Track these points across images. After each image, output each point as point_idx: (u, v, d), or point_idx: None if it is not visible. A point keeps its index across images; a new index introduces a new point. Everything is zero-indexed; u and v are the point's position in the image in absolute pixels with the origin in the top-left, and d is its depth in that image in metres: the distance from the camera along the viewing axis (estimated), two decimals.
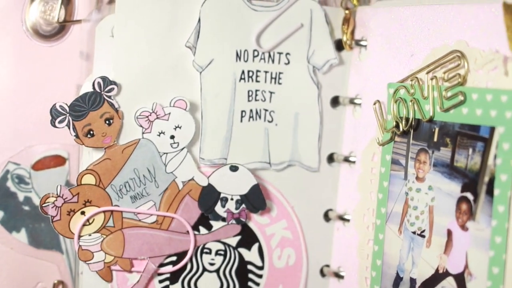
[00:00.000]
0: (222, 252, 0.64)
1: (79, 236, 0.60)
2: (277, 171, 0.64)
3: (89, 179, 0.59)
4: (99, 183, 0.60)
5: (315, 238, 0.65)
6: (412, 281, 0.56)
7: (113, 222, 0.60)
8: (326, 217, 0.65)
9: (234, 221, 0.63)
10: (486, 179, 0.50)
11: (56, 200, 0.59)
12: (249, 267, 0.64)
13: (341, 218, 0.64)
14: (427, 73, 0.55)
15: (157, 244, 0.62)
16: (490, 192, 0.49)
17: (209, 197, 0.63)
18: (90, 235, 0.60)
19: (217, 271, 0.64)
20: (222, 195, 0.63)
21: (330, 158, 0.65)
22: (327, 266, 0.65)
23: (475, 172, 0.51)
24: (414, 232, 0.56)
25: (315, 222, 0.65)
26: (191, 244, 0.63)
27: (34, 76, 0.63)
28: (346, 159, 0.64)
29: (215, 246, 0.63)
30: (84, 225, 0.60)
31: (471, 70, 0.53)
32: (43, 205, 0.58)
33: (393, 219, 0.58)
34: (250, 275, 0.64)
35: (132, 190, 0.60)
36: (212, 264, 0.64)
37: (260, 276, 0.64)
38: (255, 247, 0.64)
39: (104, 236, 0.60)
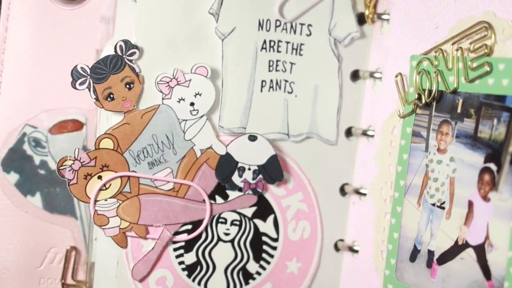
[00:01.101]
0: (237, 223, 0.63)
1: (95, 201, 0.59)
2: (295, 142, 0.64)
3: (107, 143, 0.59)
4: (117, 148, 0.59)
5: (330, 212, 0.65)
6: (430, 253, 0.55)
7: (129, 188, 0.60)
8: (342, 191, 0.65)
9: (250, 192, 0.63)
10: (511, 149, 0.49)
11: (74, 163, 0.58)
12: (264, 238, 0.64)
13: (357, 192, 0.64)
14: (452, 44, 0.55)
15: (173, 212, 0.61)
16: None
17: (226, 166, 0.62)
18: (106, 200, 0.59)
19: (232, 241, 0.63)
20: (239, 165, 0.62)
21: (348, 132, 0.65)
22: (342, 240, 0.65)
23: (499, 143, 0.50)
24: (433, 204, 0.55)
25: (331, 196, 0.65)
26: (206, 213, 0.62)
27: (54, 39, 0.63)
28: (364, 133, 0.64)
29: (230, 216, 0.63)
30: (100, 189, 0.59)
31: (499, 40, 0.52)
32: (60, 168, 0.58)
33: (412, 191, 0.57)
34: (265, 247, 0.64)
35: (150, 156, 0.60)
36: (227, 234, 0.63)
37: (274, 248, 0.64)
38: (270, 218, 0.64)
39: (120, 202, 0.60)
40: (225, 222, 0.63)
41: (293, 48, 0.63)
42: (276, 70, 0.63)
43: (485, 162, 0.51)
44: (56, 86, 0.62)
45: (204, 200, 0.62)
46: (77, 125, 0.63)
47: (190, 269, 0.63)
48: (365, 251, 0.62)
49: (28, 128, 0.62)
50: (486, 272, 0.50)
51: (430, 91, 0.56)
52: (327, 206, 0.65)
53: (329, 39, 0.64)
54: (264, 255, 0.64)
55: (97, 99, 0.59)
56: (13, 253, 0.62)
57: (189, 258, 0.63)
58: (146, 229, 0.61)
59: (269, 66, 0.63)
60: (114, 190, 0.60)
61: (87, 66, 0.58)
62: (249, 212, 0.63)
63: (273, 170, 0.62)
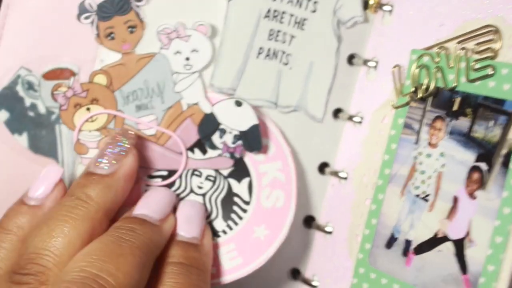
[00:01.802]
0: (212, 178, 0.64)
1: (80, 130, 0.61)
2: (282, 113, 0.64)
3: (101, 79, 0.60)
4: (110, 85, 0.60)
5: (306, 188, 0.65)
6: (407, 242, 0.56)
7: (114, 125, 0.61)
8: (321, 170, 0.66)
9: (228, 155, 0.63)
10: (504, 151, 0.51)
11: (67, 90, 0.60)
12: (236, 199, 0.64)
13: (336, 175, 0.64)
14: (457, 43, 0.56)
15: (151, 157, 0.62)
16: (505, 164, 0.51)
17: (209, 125, 0.62)
18: (90, 131, 0.61)
19: (204, 195, 0.64)
20: (221, 127, 0.63)
21: (336, 114, 0.65)
22: (313, 218, 0.66)
23: (492, 144, 0.52)
24: (417, 196, 0.57)
25: (309, 172, 0.65)
26: (181, 165, 0.63)
27: None
28: (351, 118, 0.64)
29: (206, 171, 0.63)
30: (86, 121, 0.61)
31: (504, 46, 0.53)
32: (54, 92, 0.60)
33: (397, 181, 0.58)
34: (235, 207, 0.64)
35: (139, 100, 0.61)
36: (200, 188, 0.64)
37: (245, 211, 0.64)
38: (245, 181, 0.64)
39: (103, 136, 0.61)
40: (200, 176, 0.64)
41: (296, 22, 0.64)
42: (276, 40, 0.63)
43: (476, 161, 0.53)
44: (55, 34, 0.62)
45: (182, 152, 0.63)
46: (69, 74, 0.63)
47: None
48: (339, 233, 0.63)
49: (23, 70, 0.62)
50: (463, 266, 0.52)
51: (427, 86, 0.57)
52: (304, 181, 0.65)
53: (333, 19, 0.64)
54: (233, 216, 0.64)
55: (98, 35, 0.60)
56: None
57: None
58: None
59: (270, 34, 0.63)
60: (100, 124, 0.61)
61: (94, 2, 0.59)
62: (225, 170, 0.64)
63: (253, 139, 0.63)
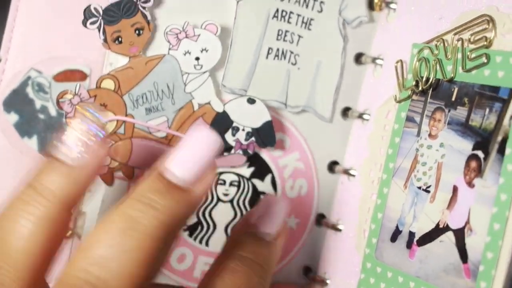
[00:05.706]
0: (236, 183, 0.65)
1: None
2: (292, 113, 0.65)
3: (108, 83, 0.60)
4: (118, 90, 0.61)
5: (316, 187, 0.66)
6: (411, 234, 0.56)
7: (124, 130, 0.62)
8: (331, 169, 0.66)
9: (241, 152, 0.64)
10: (499, 138, 0.51)
11: (73, 97, 0.60)
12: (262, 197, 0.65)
13: (346, 172, 0.65)
14: (454, 34, 0.56)
15: None
16: (501, 151, 0.50)
17: (221, 123, 0.63)
18: None
19: (231, 201, 0.65)
20: (234, 124, 0.64)
21: (345, 113, 0.66)
22: (324, 216, 0.66)
23: (489, 131, 0.52)
24: (419, 187, 0.57)
25: (319, 172, 0.66)
26: None
27: None
28: (360, 116, 0.65)
29: (229, 178, 0.64)
30: None
31: (498, 34, 0.53)
32: (60, 100, 0.60)
33: (400, 174, 0.59)
34: None
35: (148, 103, 0.62)
36: (226, 195, 0.65)
37: None
38: (268, 178, 0.65)
39: (113, 142, 0.62)
40: (224, 184, 0.65)
41: (303, 22, 0.65)
42: (284, 40, 0.64)
43: (473, 149, 0.53)
44: (65, 35, 0.62)
45: None
46: (81, 76, 0.63)
47: (191, 229, 0.64)
48: (348, 230, 0.63)
49: (33, 72, 0.63)
50: (463, 255, 0.52)
51: (427, 79, 0.58)
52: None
53: (338, 18, 0.65)
54: None
55: (105, 40, 0.60)
56: (6, 192, 0.63)
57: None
58: (133, 171, 0.62)
59: (278, 35, 0.64)
60: (109, 130, 0.61)
61: (100, 7, 0.60)
62: (247, 173, 0.65)
63: (266, 135, 0.64)
